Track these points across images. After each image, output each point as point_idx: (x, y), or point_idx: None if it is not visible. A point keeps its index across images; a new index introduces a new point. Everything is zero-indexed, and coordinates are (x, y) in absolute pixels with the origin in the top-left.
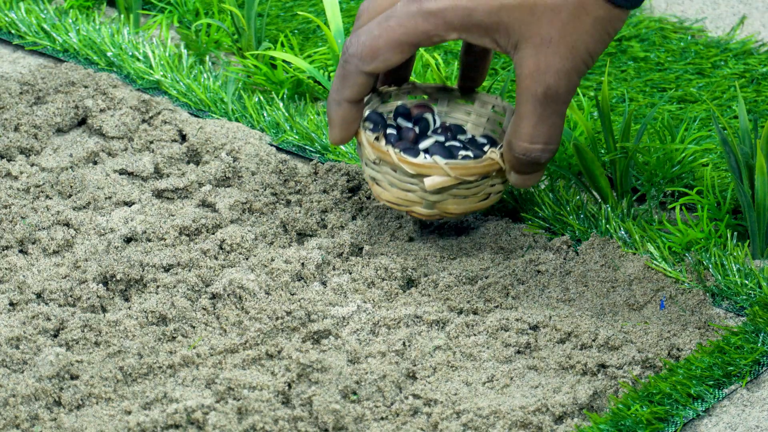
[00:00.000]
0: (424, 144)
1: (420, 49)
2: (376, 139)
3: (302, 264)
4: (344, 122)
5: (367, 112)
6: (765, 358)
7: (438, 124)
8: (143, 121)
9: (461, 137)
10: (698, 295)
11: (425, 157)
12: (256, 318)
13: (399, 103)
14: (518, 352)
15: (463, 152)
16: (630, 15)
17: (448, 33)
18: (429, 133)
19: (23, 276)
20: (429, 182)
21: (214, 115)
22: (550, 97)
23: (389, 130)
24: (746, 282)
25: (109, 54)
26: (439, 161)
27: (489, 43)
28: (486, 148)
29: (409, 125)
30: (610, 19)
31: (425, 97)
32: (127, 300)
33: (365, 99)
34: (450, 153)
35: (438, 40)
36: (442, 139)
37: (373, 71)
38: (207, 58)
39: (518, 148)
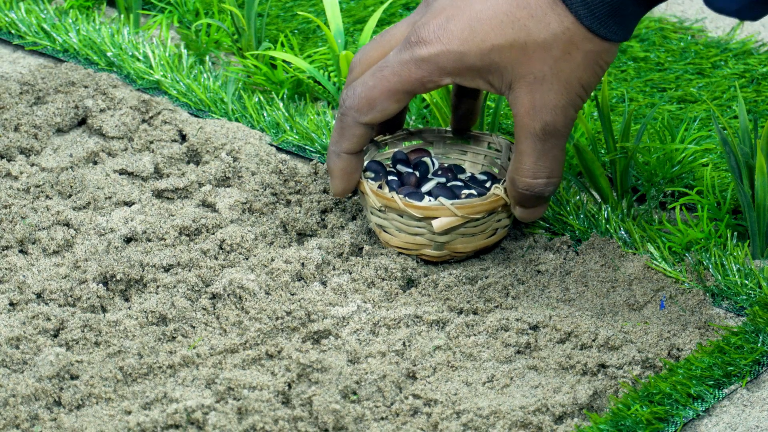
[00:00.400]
0: (426, 187)
1: None
2: (379, 187)
3: (302, 264)
4: (345, 174)
5: (366, 162)
6: (765, 358)
7: (437, 166)
8: (143, 121)
9: (461, 176)
10: (698, 295)
11: (430, 200)
12: (256, 318)
13: (396, 150)
14: (518, 352)
15: (466, 191)
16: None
17: (441, 78)
18: (429, 175)
19: (23, 276)
20: (437, 224)
21: (214, 115)
22: (549, 133)
23: (390, 177)
24: (746, 282)
25: (109, 54)
26: (445, 202)
27: (483, 84)
28: (488, 185)
29: (410, 170)
30: (600, 52)
31: (420, 141)
32: (127, 300)
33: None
34: (453, 193)
35: (432, 86)
36: (443, 180)
37: (371, 122)
38: (207, 58)
39: (521, 184)
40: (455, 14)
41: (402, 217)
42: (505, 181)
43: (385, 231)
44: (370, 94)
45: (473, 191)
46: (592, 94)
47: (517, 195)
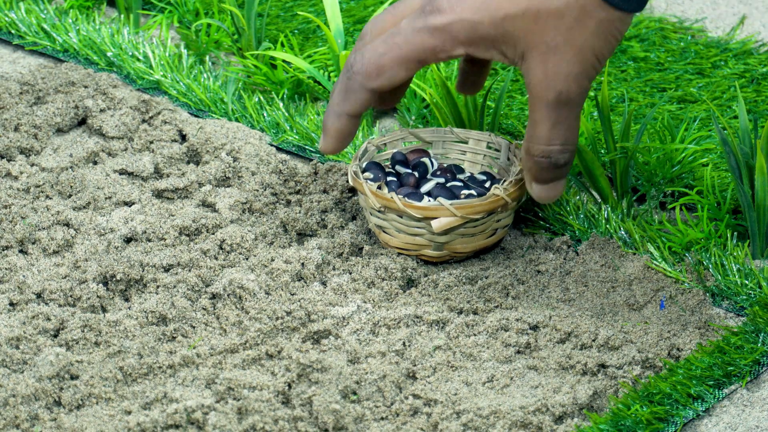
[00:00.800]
0: (425, 187)
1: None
2: (378, 188)
3: (302, 264)
4: (340, 134)
5: (364, 164)
6: (765, 358)
7: (436, 166)
8: (143, 121)
9: (460, 176)
10: (698, 295)
11: (429, 200)
12: (256, 318)
13: (394, 150)
14: (518, 352)
15: (465, 191)
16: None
17: (454, 48)
18: (428, 176)
19: (23, 276)
20: (436, 224)
21: (214, 115)
22: (563, 102)
23: (389, 178)
24: (746, 282)
25: (109, 54)
26: (444, 203)
27: (496, 55)
28: (487, 185)
29: (409, 171)
30: (613, 21)
31: (419, 142)
32: (127, 300)
33: (361, 152)
34: (452, 193)
35: (444, 56)
36: (442, 180)
37: (378, 88)
38: (207, 58)
39: (536, 150)
40: None
41: (401, 217)
42: (504, 180)
43: (384, 231)
44: (380, 61)
45: (473, 191)
46: (591, 93)
47: (533, 166)
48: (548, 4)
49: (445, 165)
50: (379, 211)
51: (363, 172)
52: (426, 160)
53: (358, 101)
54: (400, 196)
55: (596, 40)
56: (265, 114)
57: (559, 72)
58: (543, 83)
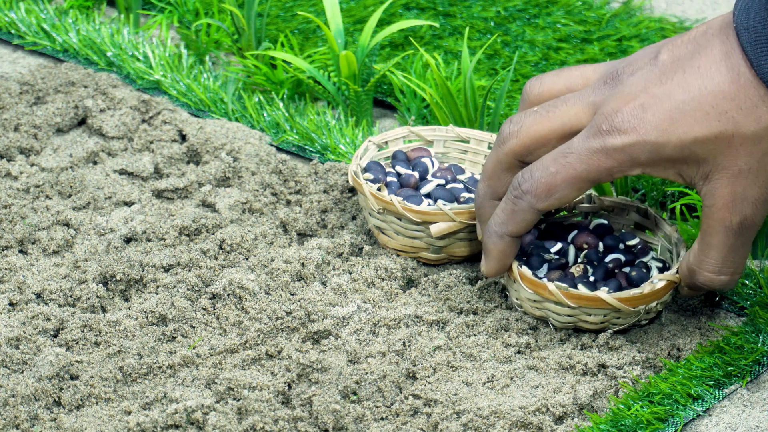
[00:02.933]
0: (425, 188)
1: (420, 49)
2: (378, 189)
3: (302, 264)
4: (503, 256)
5: (365, 163)
6: (765, 358)
7: (436, 166)
8: (143, 121)
9: (461, 177)
10: (698, 296)
11: (429, 203)
12: (256, 318)
13: (395, 149)
14: (518, 352)
15: (465, 194)
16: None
17: (632, 168)
18: (428, 176)
19: (23, 276)
20: (435, 229)
21: (214, 115)
22: (745, 228)
23: (389, 178)
24: (746, 282)
25: (108, 54)
26: (443, 207)
27: (673, 175)
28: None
29: (410, 171)
30: None
31: (420, 140)
32: (126, 300)
33: (362, 151)
34: (452, 195)
35: (619, 175)
36: (442, 182)
37: (546, 209)
38: (207, 58)
39: (702, 278)
40: (652, 103)
41: (400, 220)
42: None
43: (383, 233)
44: (551, 181)
45: (472, 194)
46: None
47: (693, 286)
48: (744, 129)
49: (446, 165)
50: (378, 213)
51: (363, 171)
52: (426, 159)
53: (524, 222)
54: (399, 199)
55: None
56: (265, 114)
57: (748, 196)
58: (729, 206)
